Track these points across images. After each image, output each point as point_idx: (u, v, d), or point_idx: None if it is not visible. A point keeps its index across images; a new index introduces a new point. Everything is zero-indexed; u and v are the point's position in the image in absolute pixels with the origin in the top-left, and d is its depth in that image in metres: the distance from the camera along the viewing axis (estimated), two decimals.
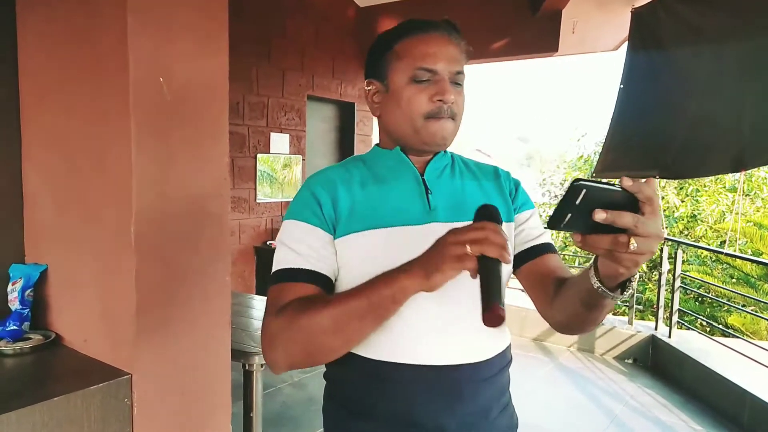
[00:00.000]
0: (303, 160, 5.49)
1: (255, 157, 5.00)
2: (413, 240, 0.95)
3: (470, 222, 0.92)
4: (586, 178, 0.65)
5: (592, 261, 0.79)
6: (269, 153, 5.12)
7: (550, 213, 0.68)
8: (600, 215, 0.64)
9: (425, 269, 0.78)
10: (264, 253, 5.04)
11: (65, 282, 1.70)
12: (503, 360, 1.04)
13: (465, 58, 1.04)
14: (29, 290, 1.68)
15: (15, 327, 1.63)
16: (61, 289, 1.72)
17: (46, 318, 1.75)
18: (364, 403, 0.97)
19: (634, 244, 0.66)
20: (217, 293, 1.67)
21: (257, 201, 5.07)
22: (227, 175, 1.68)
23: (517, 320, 5.21)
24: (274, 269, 0.97)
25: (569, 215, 0.66)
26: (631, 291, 0.77)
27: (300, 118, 5.39)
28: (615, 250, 0.67)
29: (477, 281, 0.89)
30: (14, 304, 1.66)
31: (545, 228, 0.78)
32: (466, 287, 0.94)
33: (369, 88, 1.06)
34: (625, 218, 0.65)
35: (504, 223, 1.02)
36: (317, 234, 0.96)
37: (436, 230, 0.95)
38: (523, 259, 1.05)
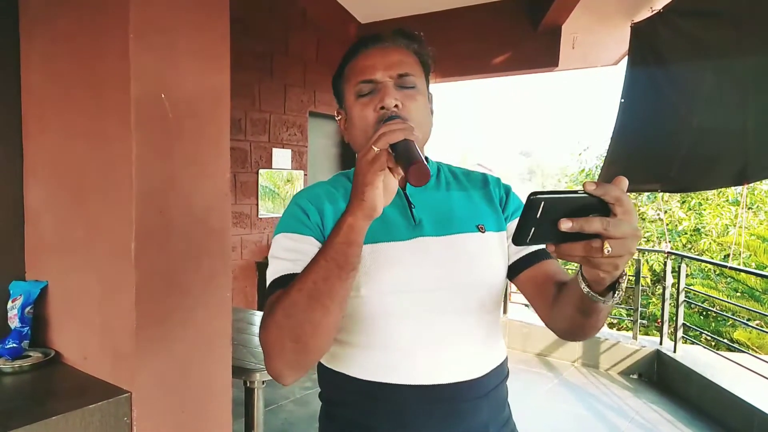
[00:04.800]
0: (305, 175, 5.50)
1: (257, 173, 5.01)
2: (400, 255, 0.93)
3: (456, 234, 0.95)
4: (543, 190, 0.63)
5: (578, 266, 0.76)
6: (271, 168, 5.13)
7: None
8: (566, 225, 0.63)
9: (356, 196, 0.77)
10: (266, 269, 5.02)
11: (65, 299, 1.69)
12: (500, 375, 1.01)
13: (425, 64, 1.01)
14: (29, 307, 1.67)
15: (14, 345, 1.62)
16: (61, 306, 1.71)
17: (45, 335, 1.74)
18: (362, 426, 0.95)
19: (608, 248, 0.64)
20: (218, 309, 1.66)
21: (259, 216, 5.07)
22: (228, 191, 1.68)
23: (520, 335, 5.18)
24: (268, 282, 0.94)
25: (533, 229, 0.65)
26: (620, 294, 0.74)
27: (302, 133, 5.41)
28: (590, 256, 0.65)
29: (466, 301, 0.94)
30: (14, 322, 1.65)
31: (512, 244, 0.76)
32: (456, 303, 0.94)
33: (338, 117, 1.07)
34: (594, 224, 0.63)
35: (494, 233, 1.01)
36: (310, 241, 0.94)
37: (423, 245, 0.95)
38: (519, 267, 1.02)
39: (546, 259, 1.01)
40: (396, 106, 0.93)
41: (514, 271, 1.03)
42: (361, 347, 0.95)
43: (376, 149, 0.75)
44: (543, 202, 0.62)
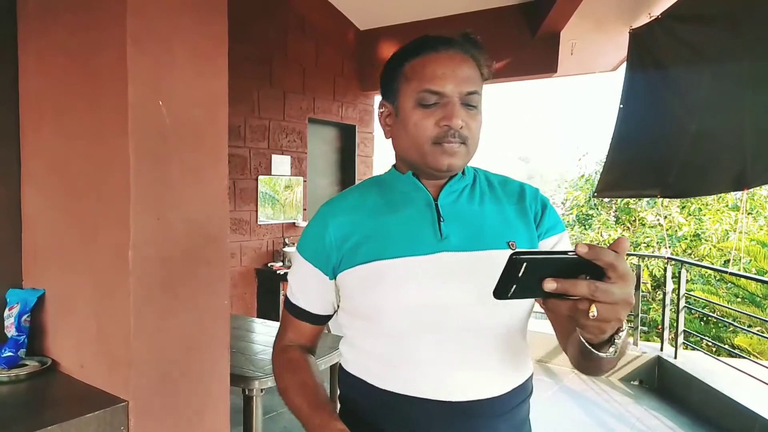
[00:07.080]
0: (304, 181, 5.49)
1: (256, 179, 5.01)
2: (421, 270, 0.92)
3: (484, 251, 0.93)
4: (527, 250, 0.64)
5: None
6: (271, 174, 5.13)
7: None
8: (549, 285, 0.60)
9: None
10: (265, 275, 5.02)
11: (62, 307, 1.68)
12: (523, 393, 0.98)
13: (485, 75, 0.96)
14: (26, 316, 1.66)
15: (11, 353, 1.61)
16: (58, 314, 1.70)
17: (42, 343, 1.73)
18: (378, 430, 0.96)
19: (593, 312, 0.61)
20: (216, 317, 1.65)
21: (258, 223, 5.06)
22: (226, 198, 1.67)
23: None
24: (286, 292, 1.10)
25: (514, 286, 0.62)
26: (614, 349, 0.71)
27: (301, 140, 5.41)
28: (575, 317, 0.64)
29: (488, 319, 0.93)
30: (10, 331, 1.64)
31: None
32: (478, 320, 0.93)
33: (381, 110, 1.01)
34: (580, 288, 0.60)
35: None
36: (317, 278, 1.01)
37: (444, 260, 0.93)
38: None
39: None
40: (461, 126, 0.90)
41: None
42: (381, 358, 0.95)
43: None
44: (525, 263, 0.60)
